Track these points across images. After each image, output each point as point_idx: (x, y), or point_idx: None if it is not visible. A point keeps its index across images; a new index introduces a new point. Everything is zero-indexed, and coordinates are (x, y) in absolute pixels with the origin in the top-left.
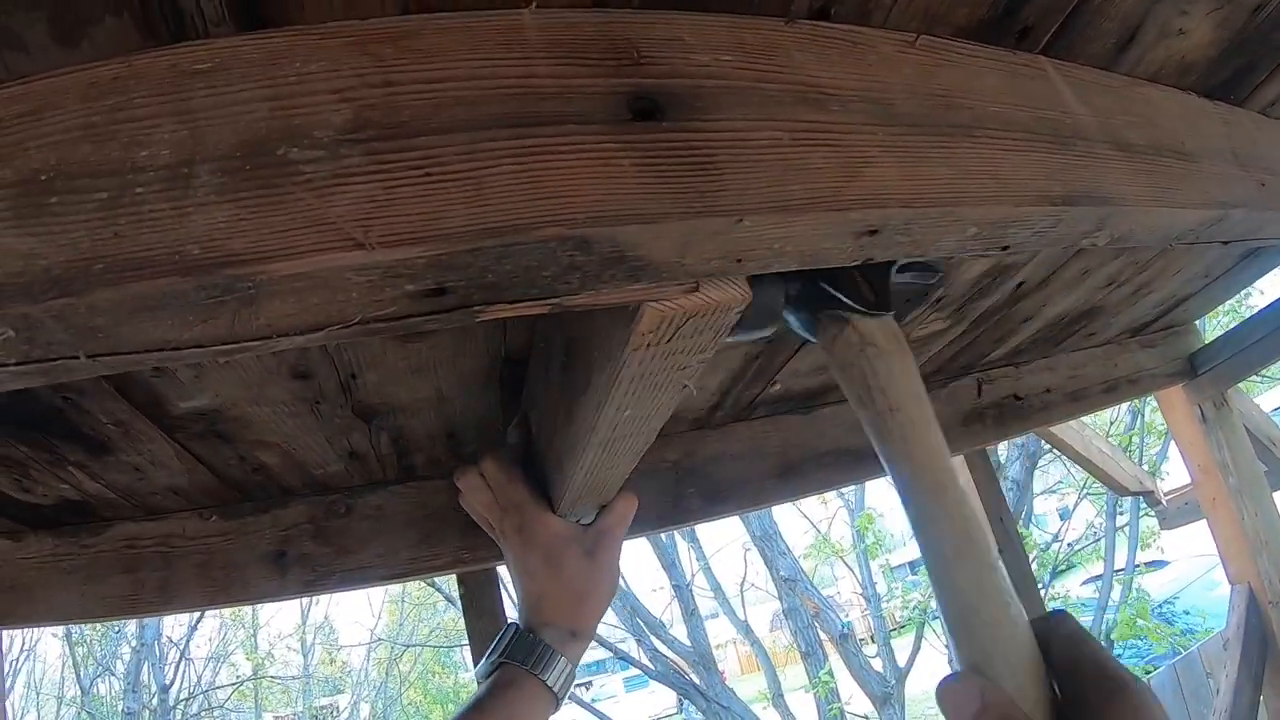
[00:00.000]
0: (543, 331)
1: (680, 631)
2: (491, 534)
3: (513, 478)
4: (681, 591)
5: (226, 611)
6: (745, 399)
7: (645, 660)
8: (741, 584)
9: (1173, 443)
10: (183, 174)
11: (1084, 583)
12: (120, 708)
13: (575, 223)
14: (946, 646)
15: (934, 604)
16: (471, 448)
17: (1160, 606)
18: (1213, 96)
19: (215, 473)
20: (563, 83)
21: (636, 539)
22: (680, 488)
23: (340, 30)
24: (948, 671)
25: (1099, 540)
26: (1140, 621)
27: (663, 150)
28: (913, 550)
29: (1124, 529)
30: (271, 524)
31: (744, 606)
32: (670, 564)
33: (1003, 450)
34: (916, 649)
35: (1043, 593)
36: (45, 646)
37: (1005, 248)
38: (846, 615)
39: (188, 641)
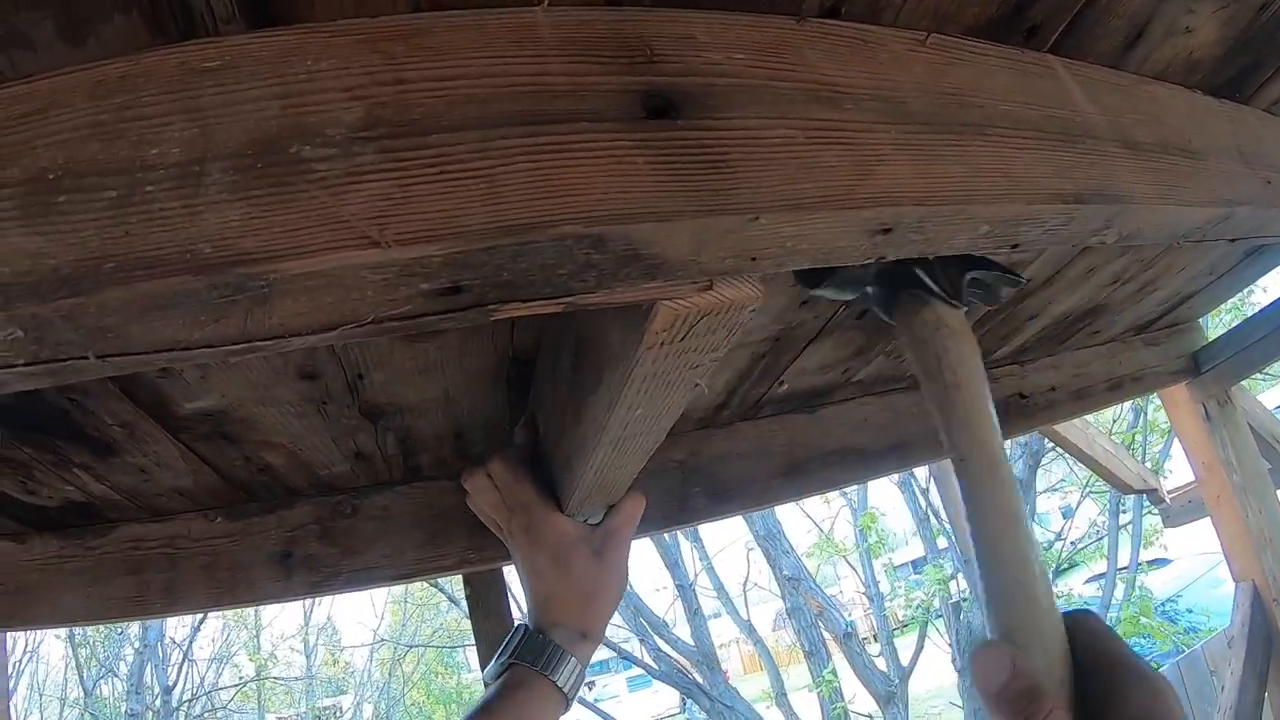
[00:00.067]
0: (551, 331)
1: (683, 631)
2: (499, 535)
3: (520, 478)
4: (685, 591)
5: (229, 613)
6: (751, 398)
7: (648, 660)
8: (744, 583)
9: (1176, 440)
10: (193, 172)
11: (1087, 581)
12: (123, 709)
13: (591, 220)
14: (952, 644)
15: (937, 603)
16: (478, 448)
17: (1163, 605)
18: (1218, 94)
19: (221, 474)
20: (576, 81)
21: (642, 539)
22: (686, 487)
23: (351, 28)
24: (951, 669)
25: (1102, 539)
26: (1144, 620)
27: (677, 148)
28: (915, 549)
29: (1127, 527)
30: (277, 525)
31: (747, 606)
32: (673, 563)
33: (1006, 448)
34: (920, 648)
35: None
36: (48, 648)
37: (1016, 246)
38: (849, 614)
39: (191, 643)
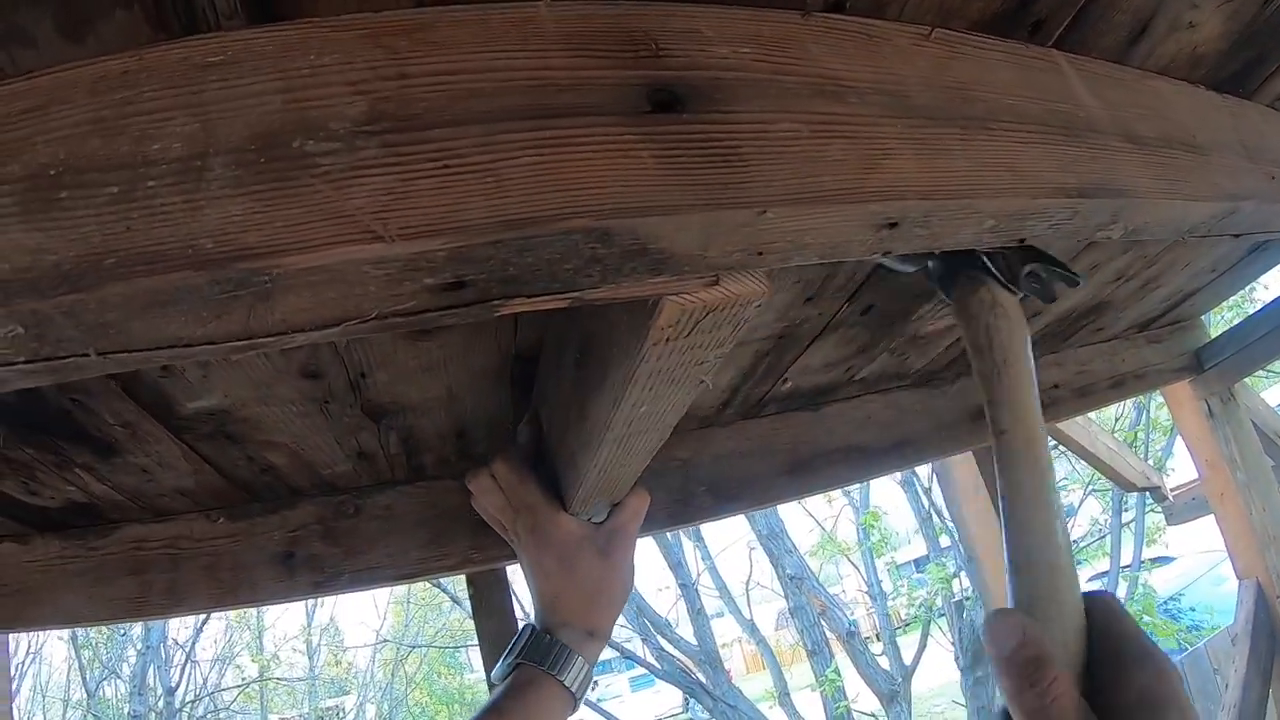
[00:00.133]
0: (556, 328)
1: (686, 630)
2: (504, 535)
3: (524, 478)
4: (687, 590)
5: (232, 613)
6: (755, 396)
7: (651, 659)
8: (747, 583)
9: (1179, 438)
10: (195, 167)
11: (1090, 579)
12: (126, 710)
13: (596, 214)
14: (954, 642)
15: (939, 602)
16: (482, 447)
17: (1166, 603)
18: (1221, 89)
19: (223, 474)
20: (580, 75)
21: (645, 538)
22: (690, 486)
23: (353, 23)
24: (954, 668)
25: (1104, 537)
26: (1147, 618)
27: (683, 142)
28: (918, 548)
29: (1129, 525)
30: (280, 525)
31: (749, 605)
32: (676, 563)
33: None
34: (922, 646)
35: None
36: (51, 649)
37: (1022, 240)
38: (852, 613)
39: (193, 644)
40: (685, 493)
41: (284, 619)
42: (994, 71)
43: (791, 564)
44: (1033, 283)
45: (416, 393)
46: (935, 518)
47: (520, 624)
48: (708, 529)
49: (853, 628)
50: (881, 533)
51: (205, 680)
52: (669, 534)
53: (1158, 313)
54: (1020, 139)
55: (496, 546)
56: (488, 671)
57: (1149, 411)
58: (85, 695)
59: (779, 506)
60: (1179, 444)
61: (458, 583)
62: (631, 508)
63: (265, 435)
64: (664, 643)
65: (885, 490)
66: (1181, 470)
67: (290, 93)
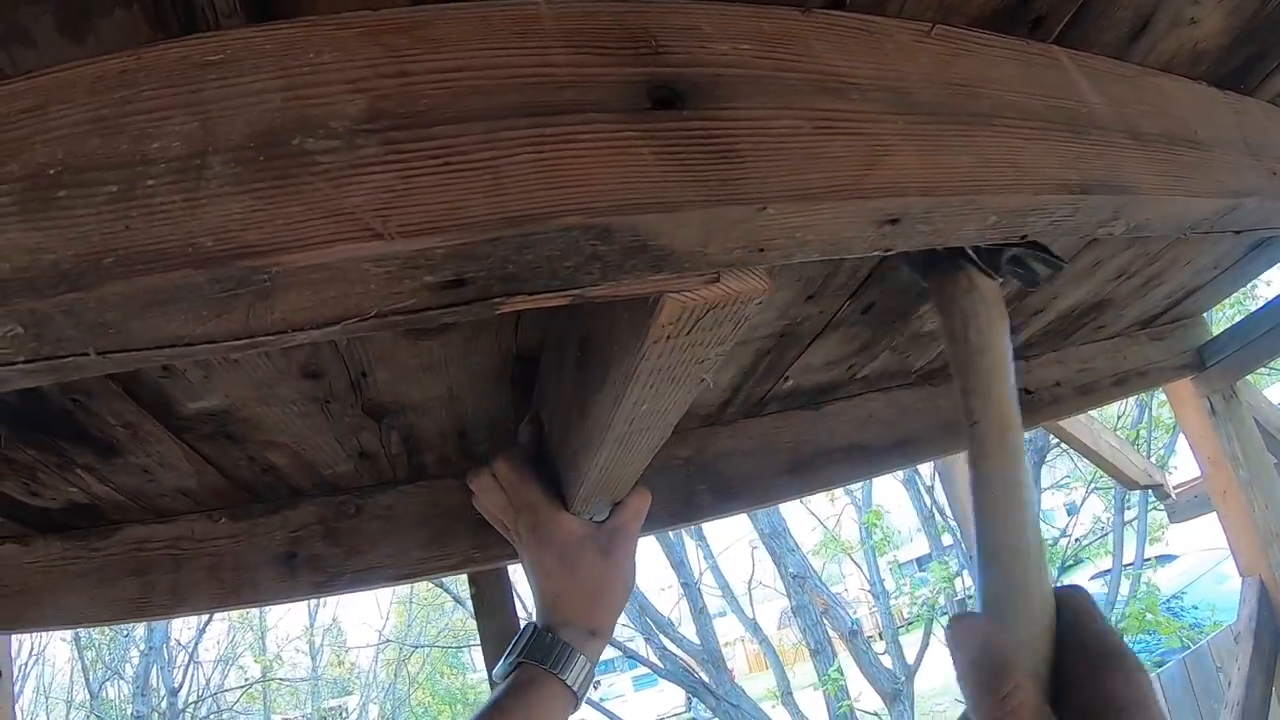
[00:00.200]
0: (556, 327)
1: (689, 630)
2: (506, 535)
3: (525, 478)
4: (690, 590)
5: (234, 614)
6: (756, 395)
7: (654, 659)
8: (749, 582)
9: (1181, 436)
10: (195, 165)
11: (1092, 577)
12: (129, 711)
13: (596, 211)
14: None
15: (942, 600)
16: (483, 447)
17: (1169, 601)
18: (1223, 86)
19: (224, 474)
20: (580, 72)
21: (647, 537)
22: (691, 485)
23: (353, 21)
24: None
25: (1107, 535)
26: (1149, 616)
27: (684, 139)
28: (920, 547)
29: (1132, 523)
30: (281, 525)
31: (752, 604)
32: (678, 562)
33: None
34: (925, 645)
35: None
36: (54, 650)
37: (1024, 237)
38: (855, 612)
39: (196, 644)
40: (687, 491)
41: (287, 619)
42: (996, 67)
43: (794, 563)
44: (1015, 267)
45: (418, 392)
46: (937, 516)
47: (522, 623)
48: (710, 528)
49: (855, 626)
50: (884, 531)
51: (208, 681)
52: (671, 533)
53: (1160, 310)
54: (1023, 135)
55: (498, 546)
56: (490, 670)
57: (1151, 409)
58: (88, 696)
59: (781, 505)
60: (1181, 442)
61: (460, 582)
62: (633, 507)
63: (266, 435)
64: (667, 642)
65: (888, 489)
66: (1184, 468)
67: (290, 91)
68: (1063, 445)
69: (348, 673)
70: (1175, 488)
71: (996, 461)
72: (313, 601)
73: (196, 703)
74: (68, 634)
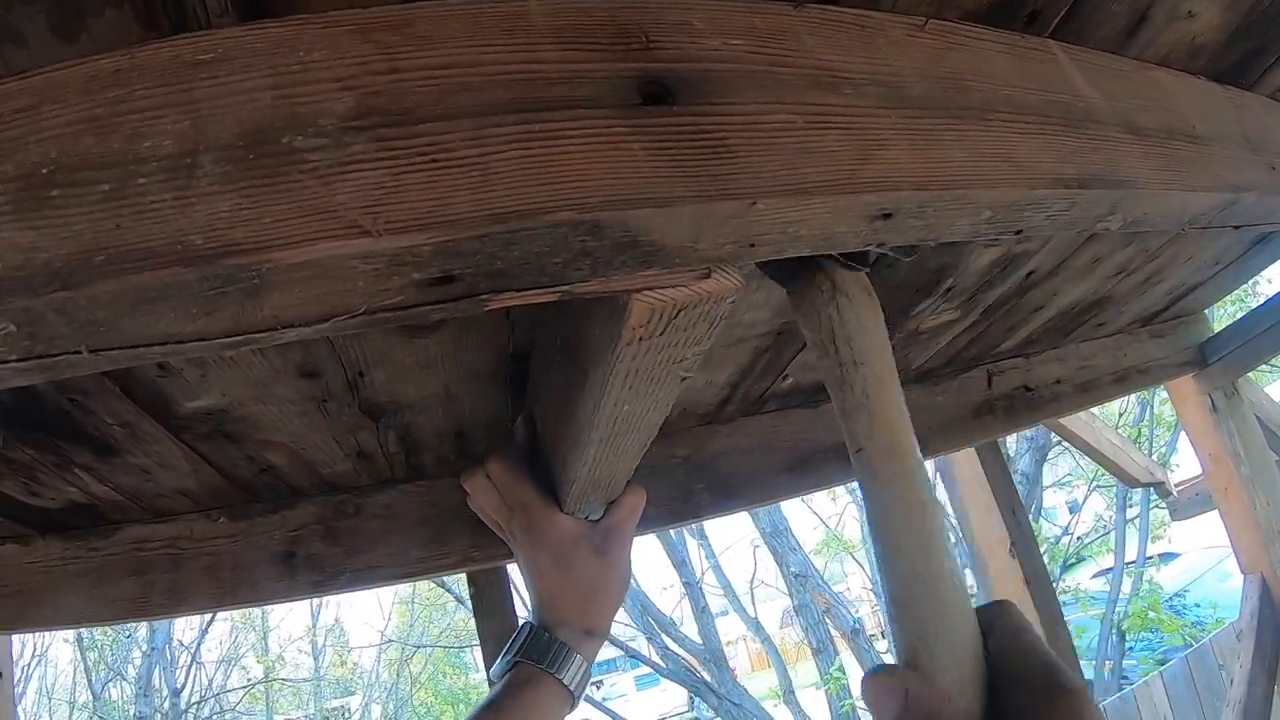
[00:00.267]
0: (545, 327)
1: (691, 629)
2: (501, 534)
3: (519, 477)
4: (691, 589)
5: (237, 615)
6: (754, 393)
7: (656, 658)
8: (751, 581)
9: (1182, 434)
10: (185, 164)
11: (1094, 576)
12: (132, 712)
13: (586, 207)
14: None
15: None
16: (480, 446)
17: (1171, 599)
18: (1222, 80)
19: (223, 473)
20: (570, 68)
21: (647, 536)
22: (690, 483)
23: (343, 19)
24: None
25: (1109, 533)
26: (1151, 614)
27: (674, 134)
28: None
29: (1134, 521)
30: (280, 525)
31: (754, 603)
32: (680, 561)
33: (1011, 444)
34: None
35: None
36: (57, 651)
37: (1019, 231)
38: (857, 611)
39: (199, 645)
40: (685, 490)
41: (289, 620)
42: (990, 62)
43: (796, 562)
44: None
45: (414, 391)
46: None
47: (521, 622)
48: (712, 527)
49: (857, 625)
50: None
51: (210, 681)
52: (672, 532)
53: (1160, 307)
54: (1018, 129)
55: (496, 545)
56: (489, 670)
57: (1153, 407)
58: (91, 697)
59: (782, 504)
60: (1183, 439)
61: (462, 582)
62: (627, 505)
63: (264, 435)
64: (669, 641)
65: None
66: (1186, 465)
67: (280, 89)
68: (1064, 443)
69: (350, 673)
70: (1177, 485)
71: (893, 488)
72: (315, 601)
73: (199, 703)
74: (70, 635)
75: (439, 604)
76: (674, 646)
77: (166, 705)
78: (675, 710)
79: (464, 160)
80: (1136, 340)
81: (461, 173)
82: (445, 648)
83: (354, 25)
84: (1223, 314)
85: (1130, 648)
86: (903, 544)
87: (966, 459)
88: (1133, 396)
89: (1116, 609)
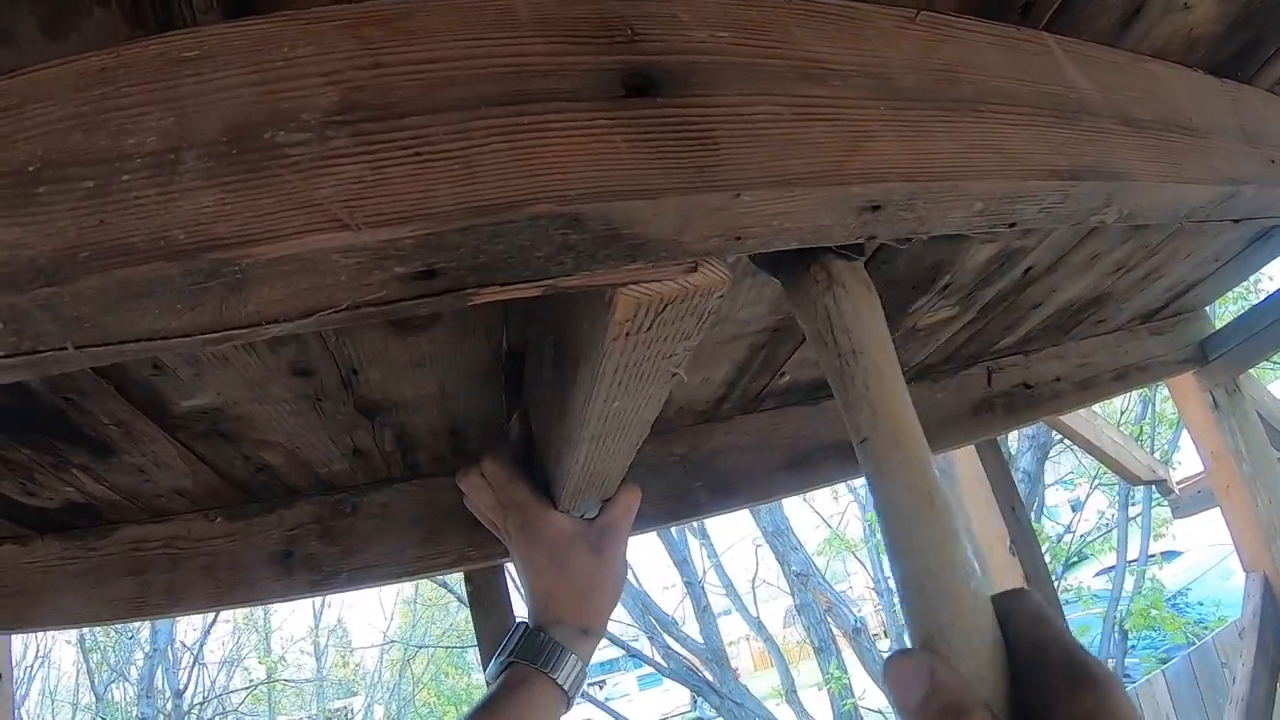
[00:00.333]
0: (537, 324)
1: (693, 629)
2: (496, 533)
3: (513, 476)
4: (693, 589)
5: (239, 616)
6: (752, 391)
7: (658, 658)
8: (753, 580)
9: (1184, 432)
10: (169, 160)
11: (1097, 574)
12: (134, 713)
13: (566, 199)
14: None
15: None
16: (476, 444)
17: (1174, 597)
18: (1220, 74)
19: (219, 473)
20: (556, 61)
21: (645, 534)
22: (688, 481)
23: (330, 14)
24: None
25: (1111, 531)
26: (1154, 612)
27: (657, 126)
28: None
29: (1136, 519)
30: (277, 524)
31: (756, 603)
32: (682, 561)
33: (1013, 442)
34: None
35: (1055, 585)
36: (59, 653)
37: (1013, 224)
38: (859, 610)
39: (201, 646)
40: (683, 488)
41: (291, 620)
42: (982, 54)
43: (797, 561)
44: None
45: (409, 389)
46: None
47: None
48: (713, 526)
49: (859, 624)
50: None
51: (213, 682)
52: (674, 531)
53: (1161, 304)
54: (1010, 121)
55: (493, 544)
56: (485, 669)
57: (1154, 405)
58: (94, 698)
59: (784, 503)
60: (1185, 437)
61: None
62: (623, 503)
63: (259, 434)
64: (671, 641)
65: None
66: (1188, 463)
67: (264, 85)
68: (1066, 441)
69: (352, 674)
70: (1179, 483)
71: (900, 477)
72: (317, 602)
73: (202, 704)
74: (73, 636)
75: (441, 604)
76: (676, 646)
77: (169, 706)
78: (678, 710)
79: (448, 153)
80: (1137, 337)
81: (444, 166)
82: (448, 648)
83: (340, 21)
84: (1224, 312)
85: (1133, 646)
86: (912, 535)
87: (966, 456)
88: (1134, 394)
89: (1119, 607)
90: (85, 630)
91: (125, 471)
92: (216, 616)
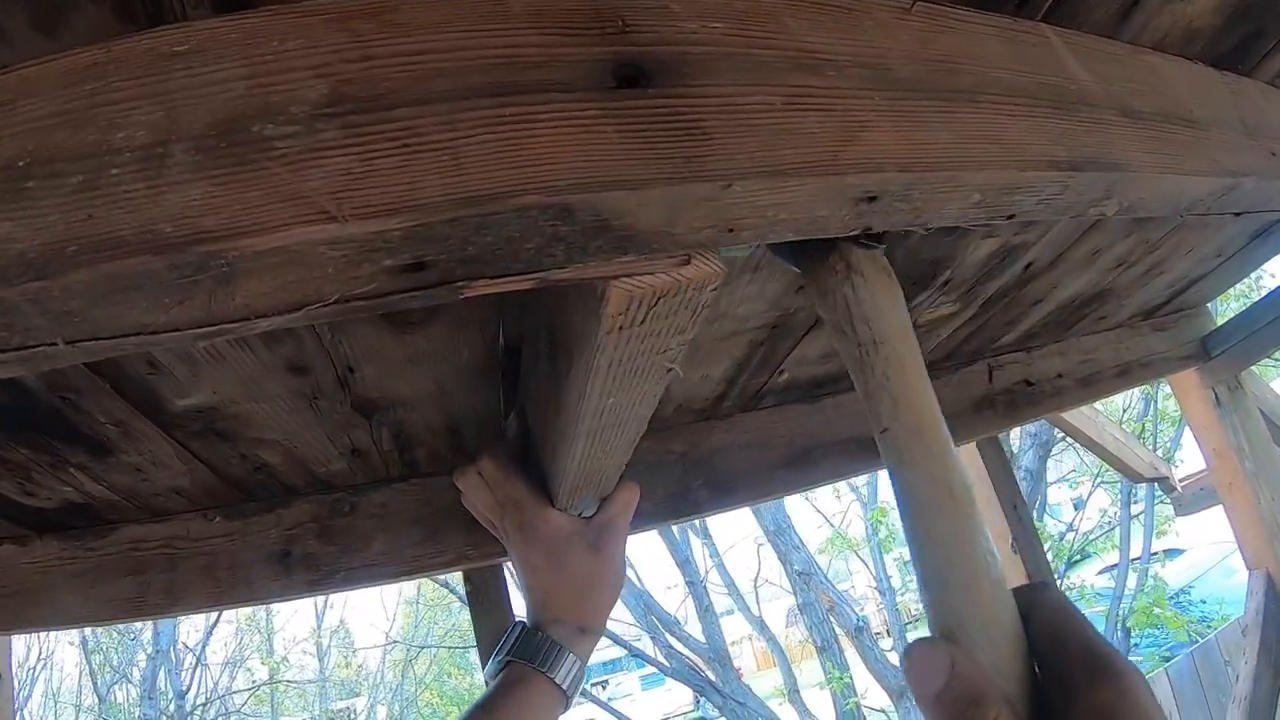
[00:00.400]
0: (532, 319)
1: (695, 628)
2: (494, 532)
3: (511, 474)
4: (695, 588)
5: (242, 617)
6: (752, 388)
7: (661, 658)
8: (755, 580)
9: (1187, 429)
10: (157, 154)
11: (1100, 572)
12: (137, 714)
13: (554, 190)
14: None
15: None
16: (474, 442)
17: (1176, 595)
18: (1219, 66)
19: (217, 472)
20: (546, 52)
21: (645, 532)
22: (687, 479)
23: (319, 8)
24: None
25: (1114, 529)
26: (1157, 610)
27: (648, 117)
28: None
29: (1139, 517)
30: (276, 524)
31: (758, 602)
32: (684, 560)
33: (1015, 440)
34: None
35: (1058, 584)
36: (62, 654)
37: (1012, 216)
38: (862, 609)
39: (203, 647)
40: (682, 486)
41: (294, 621)
42: (980, 45)
43: (800, 560)
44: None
45: (406, 387)
46: None
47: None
48: (715, 525)
49: (862, 623)
50: (890, 528)
51: (216, 683)
52: (675, 531)
53: (1162, 300)
54: (1008, 112)
55: (492, 543)
56: (484, 668)
57: (1156, 402)
58: (96, 700)
59: (786, 502)
60: (1187, 434)
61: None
62: (621, 501)
63: (256, 433)
64: (673, 641)
65: None
66: (1190, 460)
67: (254, 79)
68: (1068, 439)
69: (355, 674)
70: (1181, 480)
71: (921, 468)
72: (320, 603)
73: (204, 705)
74: (75, 638)
75: (444, 604)
76: (678, 646)
77: (172, 708)
78: (680, 710)
79: (436, 144)
80: (1138, 334)
81: (434, 157)
82: (450, 648)
83: (329, 14)
84: (1225, 309)
85: (1135, 644)
86: (933, 525)
87: (968, 454)
88: (1136, 391)
89: (1121, 605)
90: (87, 631)
91: (123, 471)
92: (219, 617)
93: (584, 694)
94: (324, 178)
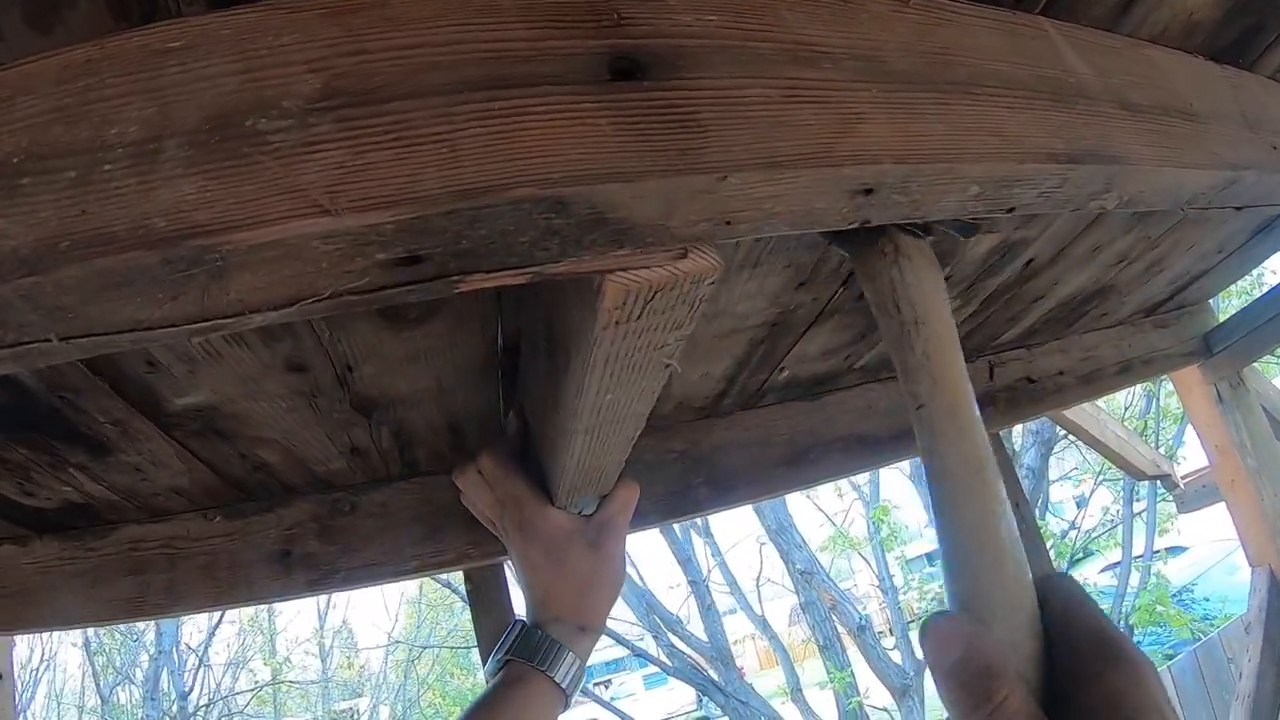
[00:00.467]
0: (529, 316)
1: (698, 628)
2: (494, 530)
3: (510, 472)
4: (698, 587)
5: (244, 617)
6: (752, 386)
7: (663, 657)
8: (758, 579)
9: (1189, 427)
10: (150, 149)
11: (1102, 570)
12: (140, 715)
13: (549, 182)
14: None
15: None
16: (475, 441)
17: (1179, 593)
18: (1220, 60)
19: (216, 471)
20: (540, 45)
21: (645, 531)
22: (688, 477)
23: (312, 3)
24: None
25: (1116, 527)
26: (1160, 608)
27: (643, 109)
28: (929, 542)
29: (1141, 515)
30: (276, 523)
31: (760, 601)
32: (686, 559)
33: (1017, 437)
34: None
35: None
36: (65, 656)
37: (1011, 209)
38: (864, 608)
39: (206, 648)
40: (683, 484)
41: (296, 622)
42: (978, 37)
43: (802, 559)
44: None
45: (405, 385)
46: None
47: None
48: (717, 524)
49: (864, 622)
50: (891, 527)
51: (218, 684)
52: (677, 530)
53: (1164, 296)
54: (1006, 104)
55: (493, 542)
56: (485, 667)
57: (1159, 399)
58: (99, 701)
59: (788, 501)
60: (1190, 431)
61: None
62: (620, 499)
63: (255, 432)
64: (675, 640)
65: (895, 484)
66: (1193, 458)
67: (247, 74)
68: (1070, 437)
69: (358, 675)
70: (1184, 477)
71: (954, 446)
72: (322, 603)
73: (207, 706)
74: (78, 639)
75: (446, 605)
76: (681, 645)
77: (175, 709)
78: (683, 709)
79: (430, 137)
80: (1140, 331)
81: (428, 150)
82: (452, 648)
83: (323, 9)
84: (1228, 307)
85: (1138, 642)
86: (962, 503)
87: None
88: (1138, 389)
89: (1124, 603)
90: (90, 632)
91: (122, 470)
92: (221, 618)
93: (587, 693)
94: (318, 171)
